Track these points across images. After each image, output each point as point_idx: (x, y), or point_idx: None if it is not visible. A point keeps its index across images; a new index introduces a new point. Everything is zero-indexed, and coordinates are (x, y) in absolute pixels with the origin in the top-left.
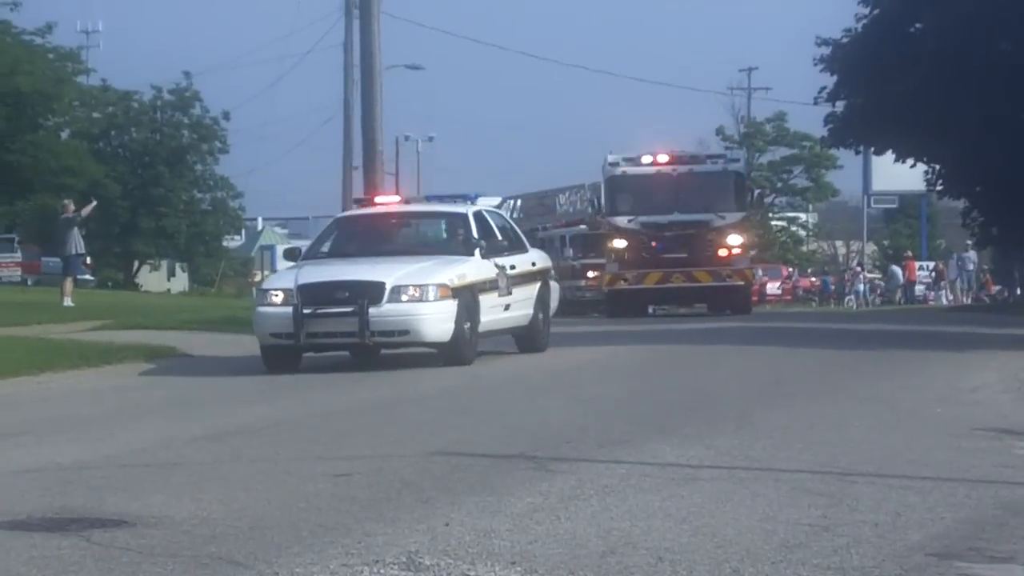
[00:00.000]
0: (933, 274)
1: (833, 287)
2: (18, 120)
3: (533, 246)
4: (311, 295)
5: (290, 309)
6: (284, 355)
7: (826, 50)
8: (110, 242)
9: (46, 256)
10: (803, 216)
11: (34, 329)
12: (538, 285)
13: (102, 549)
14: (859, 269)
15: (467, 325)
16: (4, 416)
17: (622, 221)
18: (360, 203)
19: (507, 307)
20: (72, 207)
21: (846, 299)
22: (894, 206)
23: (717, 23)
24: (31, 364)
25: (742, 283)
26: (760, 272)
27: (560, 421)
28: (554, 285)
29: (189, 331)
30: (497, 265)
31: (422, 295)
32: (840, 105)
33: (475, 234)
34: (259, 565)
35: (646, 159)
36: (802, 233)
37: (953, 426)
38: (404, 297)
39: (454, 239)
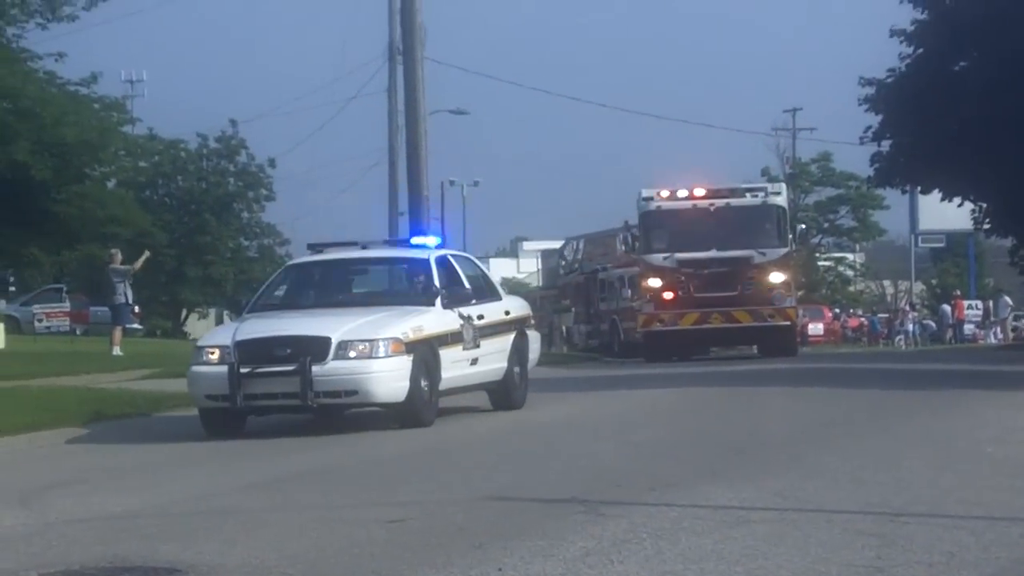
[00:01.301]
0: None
1: (882, 327)
2: (64, 171)
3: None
4: (249, 352)
5: (226, 368)
6: (223, 419)
7: (870, 90)
8: (158, 291)
9: (94, 306)
10: (850, 256)
11: (83, 379)
12: (512, 336)
13: None
14: (908, 309)
15: (425, 383)
16: (56, 465)
17: (657, 259)
18: (313, 249)
19: (474, 361)
20: (120, 256)
21: (896, 339)
22: (942, 245)
23: (761, 65)
24: (81, 413)
25: (786, 323)
26: (801, 313)
27: (610, 464)
28: (532, 335)
29: None
30: (462, 316)
31: (372, 351)
32: (886, 144)
33: (436, 282)
34: None
35: (682, 193)
36: (849, 273)
37: (1006, 465)
38: (352, 353)
39: (413, 288)
